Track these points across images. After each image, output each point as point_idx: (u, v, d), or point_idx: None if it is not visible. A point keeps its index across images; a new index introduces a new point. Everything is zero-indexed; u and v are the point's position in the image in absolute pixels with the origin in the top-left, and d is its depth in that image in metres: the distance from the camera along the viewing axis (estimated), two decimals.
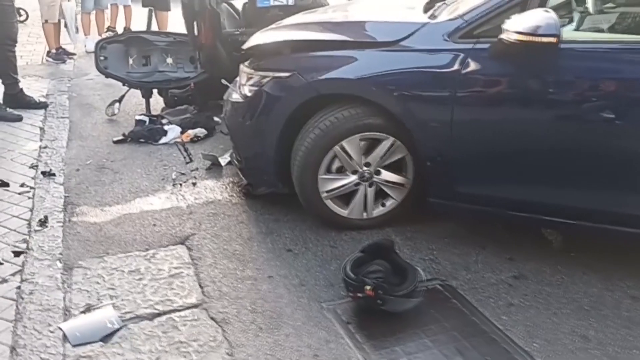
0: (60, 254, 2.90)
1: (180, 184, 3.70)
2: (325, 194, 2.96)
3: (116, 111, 4.91)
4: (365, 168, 2.93)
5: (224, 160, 3.97)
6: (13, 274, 2.71)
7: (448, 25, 2.60)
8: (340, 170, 2.95)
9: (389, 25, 2.82)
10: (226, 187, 3.66)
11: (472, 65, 2.52)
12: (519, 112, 2.53)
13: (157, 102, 5.10)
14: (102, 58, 4.70)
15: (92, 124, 4.80)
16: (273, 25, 3.40)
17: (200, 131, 4.43)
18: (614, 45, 2.51)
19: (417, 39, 2.65)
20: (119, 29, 8.25)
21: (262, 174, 3.21)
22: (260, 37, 3.23)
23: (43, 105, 5.01)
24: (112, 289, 2.64)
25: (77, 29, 7.32)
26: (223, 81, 3.30)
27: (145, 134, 4.35)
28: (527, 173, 2.61)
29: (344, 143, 2.83)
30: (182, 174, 3.86)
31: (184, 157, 4.11)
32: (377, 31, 2.81)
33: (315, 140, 2.82)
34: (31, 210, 3.30)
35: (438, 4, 3.14)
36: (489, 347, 2.27)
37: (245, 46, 3.25)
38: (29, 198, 3.45)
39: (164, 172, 3.89)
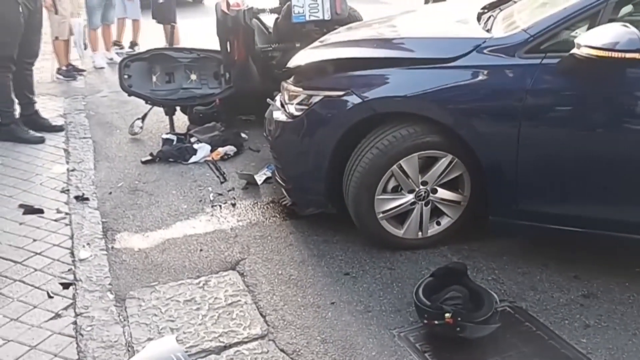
0: (110, 284, 2.80)
1: (220, 206, 3.60)
2: (382, 215, 2.88)
3: (139, 130, 4.80)
4: (422, 187, 2.85)
5: (260, 178, 3.88)
6: (65, 308, 2.60)
7: (512, 39, 2.54)
8: (396, 190, 2.87)
9: (449, 42, 2.75)
10: (267, 208, 3.57)
11: (541, 81, 2.46)
12: (589, 129, 2.46)
13: (179, 119, 5.00)
14: (126, 76, 4.61)
15: (116, 143, 4.69)
16: (318, 43, 3.32)
17: (230, 149, 4.34)
18: None
19: (479, 55, 2.58)
20: (126, 44, 8.19)
21: (311, 194, 3.13)
22: (308, 55, 3.15)
23: (59, 129, 4.88)
24: (172, 320, 2.55)
25: (85, 45, 7.21)
26: (268, 100, 3.22)
27: (175, 153, 4.25)
28: (592, 190, 2.55)
29: (402, 162, 2.75)
30: (220, 194, 3.76)
31: (218, 177, 4.02)
32: (436, 47, 2.74)
33: (373, 160, 2.74)
34: (71, 237, 3.19)
35: (487, 15, 3.09)
36: None
37: (291, 64, 3.17)
38: (66, 225, 3.34)
39: (200, 193, 3.79)
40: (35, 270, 2.86)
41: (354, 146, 2.88)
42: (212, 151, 4.31)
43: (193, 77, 4.73)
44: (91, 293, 2.71)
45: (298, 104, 3.04)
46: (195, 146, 4.29)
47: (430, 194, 2.88)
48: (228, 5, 4.15)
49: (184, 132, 4.74)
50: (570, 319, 2.50)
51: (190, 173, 4.10)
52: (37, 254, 3.00)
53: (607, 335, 2.39)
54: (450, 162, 2.78)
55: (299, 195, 3.21)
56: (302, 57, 3.18)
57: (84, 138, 4.77)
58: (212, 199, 3.70)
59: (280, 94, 3.44)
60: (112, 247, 3.15)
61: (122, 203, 3.66)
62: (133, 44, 8.13)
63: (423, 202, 2.90)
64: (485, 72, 2.57)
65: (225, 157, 4.30)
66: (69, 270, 2.89)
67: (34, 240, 3.13)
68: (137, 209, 3.59)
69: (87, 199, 3.64)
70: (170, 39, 4.79)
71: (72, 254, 3.04)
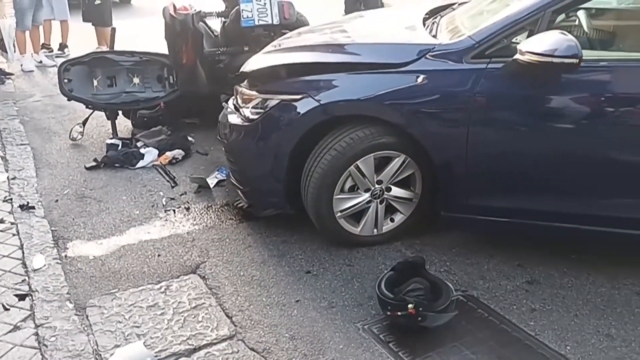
0: (68, 293, 2.76)
1: (174, 210, 3.60)
2: (340, 214, 2.99)
3: (80, 135, 4.68)
4: (377, 185, 2.97)
5: (212, 182, 3.89)
6: (24, 320, 2.55)
7: (459, 45, 2.70)
8: (353, 189, 2.98)
9: (400, 47, 2.89)
10: (222, 211, 3.60)
11: (486, 85, 2.64)
12: (532, 128, 2.66)
13: (120, 124, 4.89)
14: (66, 81, 4.47)
15: (56, 150, 4.56)
16: (272, 47, 3.38)
17: (178, 152, 4.32)
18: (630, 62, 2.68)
19: (429, 60, 2.73)
20: (54, 46, 7.90)
21: (269, 196, 3.18)
22: (263, 60, 3.21)
23: None
24: (137, 326, 2.54)
25: (14, 47, 6.91)
26: (224, 103, 3.25)
27: (121, 158, 4.19)
28: (534, 184, 2.76)
29: (359, 163, 2.87)
30: (172, 199, 3.75)
31: (168, 181, 3.99)
32: (388, 53, 2.87)
33: (331, 162, 2.84)
34: (21, 248, 3.11)
35: (431, 21, 3.26)
36: (527, 353, 2.38)
37: (245, 68, 3.22)
38: (14, 235, 3.24)
39: (152, 198, 3.76)
40: None
41: (310, 148, 2.97)
42: (159, 155, 4.28)
43: (136, 80, 4.66)
44: (49, 303, 2.66)
45: (253, 107, 3.09)
46: (142, 151, 4.24)
47: (385, 192, 3.01)
48: (175, 8, 4.13)
49: (127, 136, 4.67)
50: (518, 304, 2.69)
51: (138, 178, 4.05)
52: None
53: (552, 317, 2.59)
54: (404, 162, 2.92)
55: (256, 197, 3.26)
56: (257, 62, 3.24)
57: (22, 145, 4.61)
58: (164, 203, 3.68)
59: (232, 97, 3.47)
60: (66, 256, 3.08)
61: (70, 211, 3.58)
62: (62, 46, 7.87)
63: (378, 200, 3.02)
64: (435, 76, 2.73)
65: (173, 161, 4.28)
66: (22, 281, 2.82)
67: None
68: (87, 216, 3.52)
69: (32, 207, 3.53)
70: (112, 42, 4.69)
71: (24, 264, 2.96)
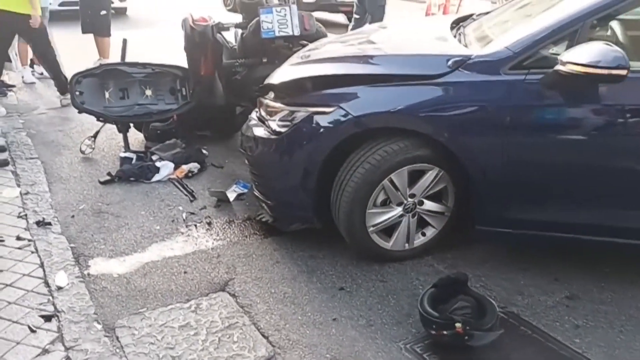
0: (95, 313, 2.66)
1: (195, 225, 3.51)
2: (372, 228, 2.92)
3: (91, 149, 4.59)
4: (409, 199, 2.91)
5: (231, 195, 3.81)
6: (52, 342, 2.45)
7: (495, 56, 2.65)
8: (385, 203, 2.91)
9: (435, 59, 2.83)
10: (245, 225, 3.52)
11: (525, 96, 2.59)
12: (572, 141, 2.62)
13: (131, 136, 4.79)
14: (77, 93, 4.38)
15: (67, 164, 4.45)
16: (298, 59, 3.32)
17: (194, 165, 4.24)
18: None
19: (465, 71, 2.68)
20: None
21: (297, 210, 3.11)
22: (290, 72, 3.14)
23: (1, 149, 4.57)
24: (171, 348, 2.45)
25: (16, 58, 6.81)
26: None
27: (136, 172, 4.09)
28: (574, 198, 2.72)
29: (393, 176, 2.81)
30: (192, 213, 3.66)
31: (186, 195, 3.90)
32: (422, 64, 2.81)
33: (365, 175, 2.77)
34: (41, 266, 3.00)
35: (458, 32, 3.22)
36: None
37: (272, 81, 3.15)
38: (32, 252, 3.13)
39: (171, 213, 3.67)
40: (10, 303, 2.66)
41: (341, 161, 2.90)
42: (175, 169, 4.19)
43: (148, 92, 4.57)
44: (77, 324, 2.56)
45: (280, 120, 3.03)
46: (158, 164, 4.15)
47: (417, 206, 2.95)
48: (193, 20, 4.06)
49: (140, 149, 4.58)
50: (561, 320, 2.63)
51: (155, 192, 3.96)
52: (7, 285, 2.79)
53: (597, 334, 2.53)
54: (437, 175, 2.87)
55: (282, 211, 3.19)
56: (284, 74, 3.17)
57: (31, 159, 4.49)
58: (185, 218, 3.59)
59: (255, 110, 3.41)
60: (88, 274, 2.98)
61: (88, 226, 3.48)
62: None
63: (410, 214, 2.96)
64: (472, 88, 2.68)
65: (189, 175, 4.19)
66: (47, 301, 2.71)
67: (0, 270, 2.91)
68: (106, 232, 3.42)
69: (49, 223, 3.43)
70: (123, 53, 4.61)
71: (47, 283, 2.85)
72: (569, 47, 2.56)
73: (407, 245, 3.04)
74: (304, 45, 4.15)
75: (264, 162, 3.13)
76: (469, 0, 15.17)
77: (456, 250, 3.16)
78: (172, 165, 4.17)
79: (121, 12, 12.87)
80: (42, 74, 7.30)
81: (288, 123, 2.98)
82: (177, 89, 4.61)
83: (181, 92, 4.61)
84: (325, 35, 4.13)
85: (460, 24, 3.54)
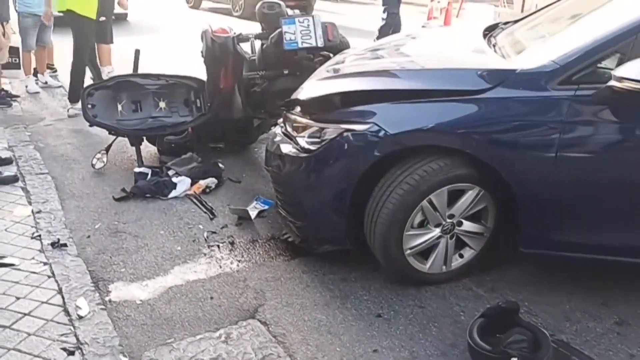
0: (120, 345, 2.51)
1: (218, 246, 3.36)
2: (409, 251, 2.77)
3: (102, 164, 4.43)
4: (448, 220, 2.77)
5: (253, 213, 3.67)
6: None
7: (541, 70, 2.52)
8: (422, 224, 2.77)
9: (477, 73, 2.69)
10: (270, 245, 3.37)
11: (576, 113, 2.46)
12: (626, 159, 2.48)
13: (143, 149, 4.64)
14: (89, 106, 4.23)
15: (79, 179, 4.29)
16: (326, 74, 3.17)
17: (211, 181, 4.09)
18: None
19: (510, 86, 2.54)
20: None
21: (328, 231, 2.97)
22: (321, 87, 3.00)
23: (8, 162, 4.42)
24: None
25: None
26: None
27: (153, 188, 3.94)
28: (627, 219, 2.58)
29: (432, 196, 2.66)
30: (213, 232, 3.51)
31: (206, 213, 3.75)
32: (464, 79, 2.68)
33: (403, 196, 2.63)
34: (59, 292, 2.85)
35: (493, 42, 3.09)
36: None
37: (301, 96, 3.01)
38: (49, 277, 2.98)
39: (191, 232, 3.52)
40: (29, 334, 2.52)
41: (374, 180, 2.76)
42: (192, 184, 4.04)
43: (162, 105, 4.43)
44: (102, 357, 2.41)
45: (310, 136, 2.89)
46: (175, 180, 4.00)
47: (456, 227, 2.81)
48: (212, 31, 3.91)
49: (154, 164, 4.43)
50: (613, 349, 2.49)
51: (173, 210, 3.81)
52: (25, 314, 2.64)
53: None
54: (477, 194, 2.73)
55: (312, 232, 3.04)
56: (313, 89, 3.03)
57: (41, 174, 4.33)
58: (206, 238, 3.44)
59: (279, 125, 3.27)
60: (110, 301, 2.83)
61: (105, 248, 3.32)
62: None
63: (448, 236, 2.82)
64: (518, 103, 2.54)
65: (207, 191, 4.04)
66: (69, 331, 2.55)
67: (17, 298, 2.76)
68: (125, 253, 3.27)
69: (64, 245, 3.27)
70: (135, 64, 4.45)
71: (67, 311, 2.70)
72: (621, 60, 2.42)
73: (444, 267, 2.90)
74: (324, 56, 4.02)
75: (293, 181, 2.99)
76: (471, 4, 15.11)
77: (494, 271, 3.02)
78: (189, 180, 4.02)
79: (122, 18, 12.69)
80: (46, 83, 7.17)
81: (317, 140, 2.85)
82: (192, 100, 4.47)
83: (195, 103, 4.47)
84: (348, 46, 3.98)
85: (491, 33, 3.41)
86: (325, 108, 2.89)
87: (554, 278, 2.97)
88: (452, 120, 2.59)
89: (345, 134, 2.73)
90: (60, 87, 7.08)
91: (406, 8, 12.94)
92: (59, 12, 5.79)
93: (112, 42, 7.09)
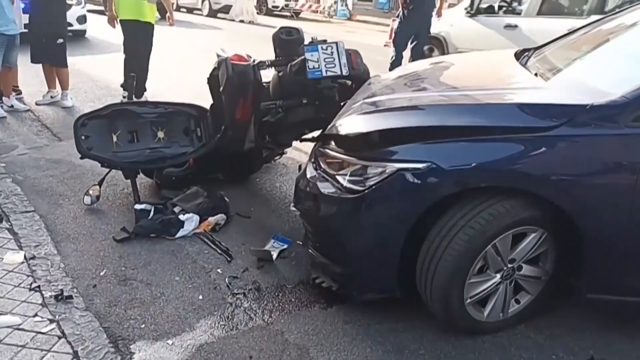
0: None
1: (244, 293, 3.05)
2: (469, 300, 2.56)
3: (95, 199, 4.04)
4: (509, 265, 2.58)
5: (274, 253, 3.38)
6: None
7: (614, 105, 2.37)
8: (481, 270, 2.56)
9: (541, 108, 2.52)
10: (300, 291, 3.09)
11: None
12: None
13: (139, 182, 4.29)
14: (83, 137, 3.86)
15: (71, 217, 3.89)
16: (369, 107, 2.92)
17: (221, 217, 3.78)
18: None
19: (580, 123, 2.38)
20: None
21: (374, 279, 2.72)
22: (364, 122, 2.76)
23: None
24: None
25: None
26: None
27: (158, 227, 3.59)
28: None
29: (497, 241, 2.46)
30: (235, 277, 3.20)
31: (222, 254, 3.43)
32: (529, 115, 2.50)
33: (468, 242, 2.41)
34: (75, 356, 2.49)
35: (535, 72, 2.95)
36: None
37: (340, 131, 2.77)
38: (60, 337, 2.61)
39: (210, 278, 3.20)
40: None
41: (426, 223, 2.54)
42: (200, 221, 3.71)
43: (160, 134, 4.10)
44: None
45: (352, 176, 2.65)
46: (182, 217, 3.66)
47: (516, 272, 2.62)
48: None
49: (152, 198, 4.08)
50: None
51: (184, 252, 3.47)
52: None
53: None
54: (540, 237, 2.54)
55: (356, 279, 2.79)
56: (354, 124, 2.79)
57: (27, 212, 3.90)
58: (228, 284, 3.13)
59: (310, 161, 3.01)
60: None
61: (117, 299, 2.97)
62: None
63: (508, 281, 2.62)
64: (591, 142, 2.38)
65: (216, 228, 3.73)
66: None
67: None
68: (141, 305, 2.93)
69: (69, 297, 2.90)
70: (130, 91, 4.10)
71: None
72: None
73: (501, 315, 2.69)
74: (342, 85, 3.80)
75: (334, 223, 2.73)
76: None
77: (550, 317, 2.84)
78: (197, 218, 3.69)
79: (79, 35, 12.14)
80: (11, 106, 6.65)
81: (360, 179, 2.60)
82: (192, 129, 4.16)
83: (196, 132, 4.16)
84: (369, 74, 3.77)
85: (526, 58, 3.28)
86: (369, 144, 2.65)
87: (614, 325, 2.81)
88: (518, 159, 2.40)
89: (399, 173, 2.50)
90: (27, 110, 6.61)
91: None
92: (124, 20, 6.27)
93: (67, 65, 6.76)
